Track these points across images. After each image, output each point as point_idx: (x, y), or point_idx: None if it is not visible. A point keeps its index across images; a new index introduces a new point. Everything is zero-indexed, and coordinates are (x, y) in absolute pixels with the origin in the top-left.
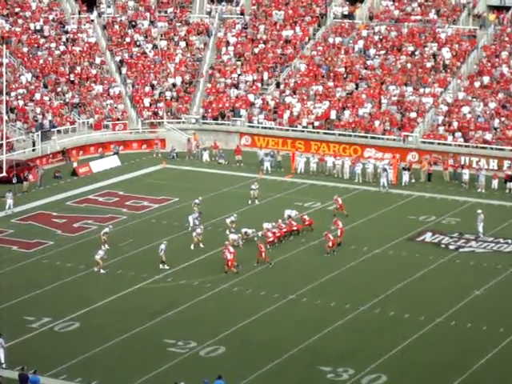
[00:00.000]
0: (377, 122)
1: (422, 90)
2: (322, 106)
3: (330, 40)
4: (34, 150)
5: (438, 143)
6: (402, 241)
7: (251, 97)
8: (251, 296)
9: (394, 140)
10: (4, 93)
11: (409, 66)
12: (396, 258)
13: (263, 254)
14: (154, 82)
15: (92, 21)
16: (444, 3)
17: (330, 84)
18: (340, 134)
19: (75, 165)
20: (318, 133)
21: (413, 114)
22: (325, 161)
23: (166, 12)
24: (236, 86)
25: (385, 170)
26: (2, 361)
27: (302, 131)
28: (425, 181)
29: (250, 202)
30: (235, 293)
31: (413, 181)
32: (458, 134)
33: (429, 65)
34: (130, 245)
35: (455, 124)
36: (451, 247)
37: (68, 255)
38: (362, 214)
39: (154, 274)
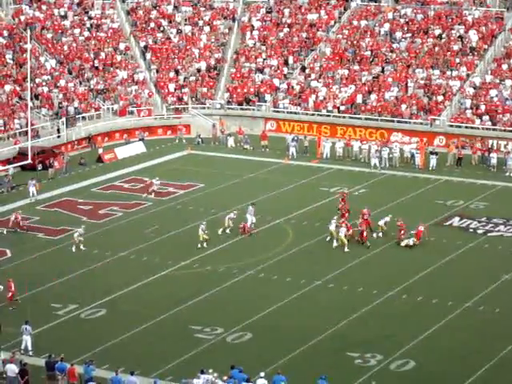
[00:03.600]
0: (403, 106)
1: (448, 73)
2: (347, 90)
3: (356, 23)
4: (59, 137)
5: (466, 127)
6: (429, 225)
7: (276, 81)
8: (277, 282)
9: (421, 124)
10: (29, 79)
11: (436, 49)
12: (424, 243)
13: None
14: (179, 68)
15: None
16: None
17: (356, 68)
18: (366, 118)
19: (100, 151)
20: (343, 117)
21: (440, 98)
22: (351, 145)
23: None
24: (261, 71)
25: (377, 151)
26: (30, 348)
27: (328, 116)
28: (452, 165)
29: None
30: (261, 279)
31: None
32: (486, 118)
33: (456, 47)
34: (155, 231)
35: (483, 107)
36: (479, 231)
37: (94, 242)
38: (389, 198)
39: (180, 260)
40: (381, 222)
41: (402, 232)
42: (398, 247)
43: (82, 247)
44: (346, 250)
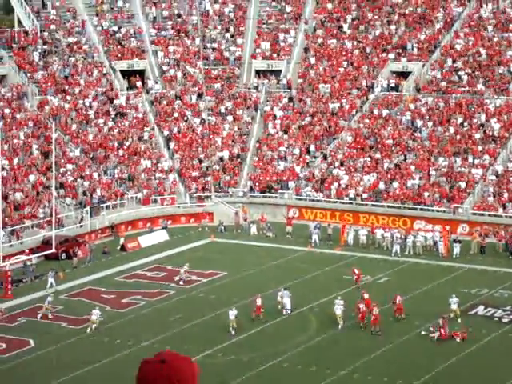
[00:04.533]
0: (426, 194)
1: (470, 161)
2: (369, 177)
3: (377, 112)
4: (81, 226)
5: (489, 215)
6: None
7: (298, 169)
8: (302, 372)
9: (444, 212)
10: (53, 169)
11: (457, 137)
12: (449, 332)
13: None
14: (202, 156)
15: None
16: (492, 73)
17: (378, 156)
18: (389, 206)
19: (122, 241)
20: (366, 205)
21: (463, 185)
22: (375, 233)
23: (213, 87)
24: (283, 159)
25: (399, 238)
26: None
27: (351, 203)
28: (476, 253)
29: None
30: (285, 369)
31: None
32: (509, 205)
33: (477, 136)
34: (178, 320)
35: (506, 195)
36: (504, 320)
37: (116, 331)
38: (414, 287)
39: (203, 349)
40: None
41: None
42: (422, 336)
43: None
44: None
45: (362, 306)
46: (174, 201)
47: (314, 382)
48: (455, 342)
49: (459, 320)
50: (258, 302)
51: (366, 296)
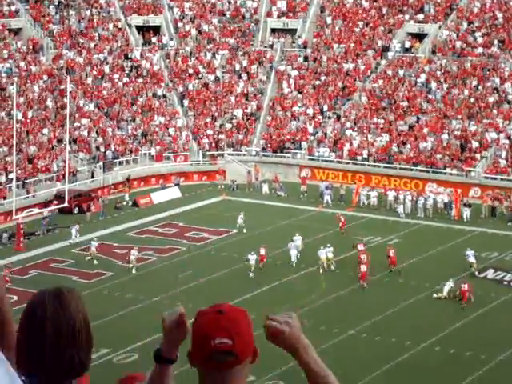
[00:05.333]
0: (438, 156)
1: (484, 124)
2: (382, 139)
3: (392, 73)
4: (93, 182)
5: (501, 179)
6: (463, 277)
7: (311, 129)
8: (310, 330)
9: (457, 175)
10: (67, 123)
11: (471, 100)
12: (457, 295)
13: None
14: (215, 114)
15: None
16: (508, 33)
17: (391, 117)
18: (401, 168)
19: (127, 197)
20: (378, 166)
21: (475, 144)
22: (387, 195)
23: (227, 43)
24: (296, 119)
25: (404, 198)
26: None
27: (363, 164)
28: (487, 216)
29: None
30: None
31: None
32: None
33: (491, 99)
34: (188, 276)
35: None
36: None
37: (127, 286)
38: (424, 249)
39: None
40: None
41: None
42: (431, 298)
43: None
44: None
45: (362, 266)
46: (187, 158)
47: (323, 341)
48: (456, 302)
49: (476, 273)
50: (262, 251)
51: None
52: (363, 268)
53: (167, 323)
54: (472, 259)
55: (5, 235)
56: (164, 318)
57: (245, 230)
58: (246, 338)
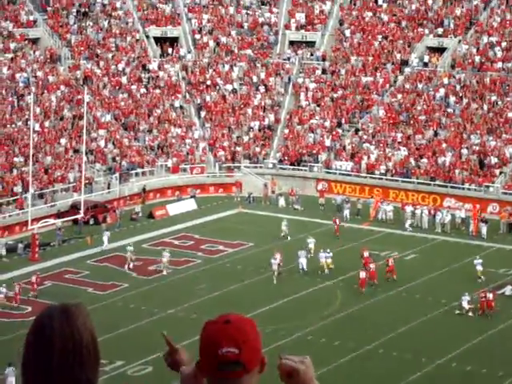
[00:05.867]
0: (457, 171)
1: (503, 140)
2: (400, 153)
3: (410, 87)
4: (109, 193)
5: None
6: (484, 289)
7: (328, 142)
8: (325, 345)
9: (475, 190)
10: (84, 134)
11: (490, 115)
12: (475, 312)
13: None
14: (233, 126)
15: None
16: None
17: (410, 131)
18: (419, 183)
19: (138, 209)
20: (396, 180)
21: (494, 160)
22: (404, 209)
23: (245, 55)
24: (314, 132)
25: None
26: None
27: (381, 178)
28: (505, 232)
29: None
30: (309, 342)
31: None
32: None
33: (510, 115)
34: (204, 289)
35: None
36: None
37: (142, 298)
38: (441, 264)
39: None
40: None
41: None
42: (449, 313)
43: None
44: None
45: (362, 273)
46: (204, 170)
47: (337, 356)
48: (481, 320)
49: (482, 278)
50: (278, 256)
51: (366, 254)
52: (362, 275)
53: (184, 377)
54: (479, 267)
55: (20, 245)
56: (180, 371)
57: (289, 238)
58: (254, 347)
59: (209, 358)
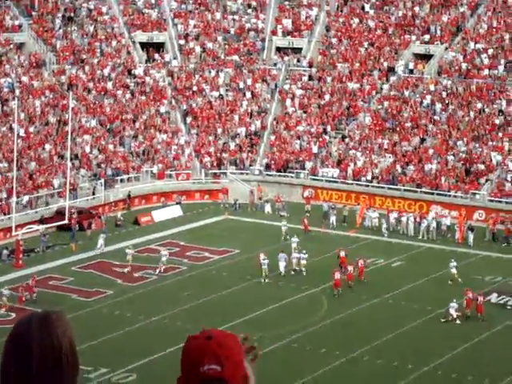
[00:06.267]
0: (443, 178)
1: (490, 147)
2: (386, 159)
3: (397, 94)
4: (94, 198)
5: (506, 202)
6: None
7: (315, 149)
8: (311, 353)
9: (461, 197)
10: (69, 139)
11: (476, 121)
12: (461, 319)
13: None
14: (219, 132)
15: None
16: None
17: (396, 138)
18: (405, 190)
19: (119, 215)
20: (382, 187)
21: (480, 171)
22: (389, 216)
23: (232, 61)
24: (300, 138)
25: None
26: None
27: (367, 185)
28: (491, 240)
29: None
30: (294, 350)
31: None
32: None
33: (497, 121)
34: (188, 296)
35: None
36: None
37: (127, 305)
38: (427, 271)
39: (213, 327)
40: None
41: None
42: (435, 321)
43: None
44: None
45: (337, 274)
46: (189, 176)
47: (323, 364)
48: (467, 327)
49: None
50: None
51: (342, 254)
52: (337, 275)
53: None
54: (454, 270)
55: (5, 252)
56: None
57: (288, 237)
58: (236, 363)
59: (191, 375)
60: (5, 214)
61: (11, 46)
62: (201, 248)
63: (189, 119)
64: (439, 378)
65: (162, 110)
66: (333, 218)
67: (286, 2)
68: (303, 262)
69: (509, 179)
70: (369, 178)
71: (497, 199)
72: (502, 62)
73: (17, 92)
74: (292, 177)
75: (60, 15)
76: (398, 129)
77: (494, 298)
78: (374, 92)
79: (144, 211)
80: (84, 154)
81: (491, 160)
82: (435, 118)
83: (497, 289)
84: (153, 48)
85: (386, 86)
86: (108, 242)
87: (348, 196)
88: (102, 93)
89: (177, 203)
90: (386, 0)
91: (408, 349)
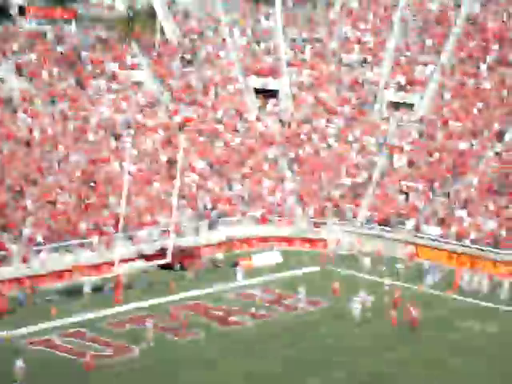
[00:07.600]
0: None
1: None
2: (491, 222)
3: (508, 157)
4: (197, 238)
5: None
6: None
7: (420, 205)
8: None
9: None
10: (178, 179)
11: None
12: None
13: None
14: (324, 182)
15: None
16: None
17: (503, 202)
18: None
19: (220, 256)
20: (484, 250)
21: None
22: (492, 280)
23: (343, 112)
24: (405, 193)
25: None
26: None
27: (469, 247)
28: None
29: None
30: None
31: None
32: None
33: None
34: (286, 345)
35: None
36: None
37: (221, 349)
38: None
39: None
40: None
41: None
42: None
43: None
44: None
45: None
46: (291, 223)
47: None
48: None
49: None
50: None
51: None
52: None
53: None
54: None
55: (107, 286)
56: None
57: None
58: None
59: None
60: (108, 248)
61: (129, 83)
62: (295, 297)
63: (295, 167)
64: None
65: (270, 155)
66: (432, 278)
67: (402, 58)
68: (368, 304)
69: None
70: (472, 238)
71: None
72: None
73: (131, 129)
74: (394, 232)
75: (179, 56)
76: (505, 191)
77: None
78: (483, 153)
79: (244, 255)
80: (191, 193)
81: None
82: None
83: None
84: (266, 94)
85: (496, 148)
86: (207, 284)
87: (449, 256)
88: (213, 135)
89: (275, 250)
90: (503, 62)
91: None
